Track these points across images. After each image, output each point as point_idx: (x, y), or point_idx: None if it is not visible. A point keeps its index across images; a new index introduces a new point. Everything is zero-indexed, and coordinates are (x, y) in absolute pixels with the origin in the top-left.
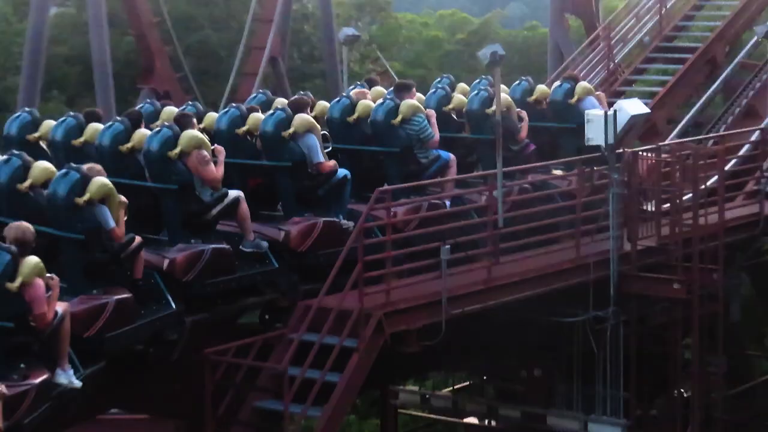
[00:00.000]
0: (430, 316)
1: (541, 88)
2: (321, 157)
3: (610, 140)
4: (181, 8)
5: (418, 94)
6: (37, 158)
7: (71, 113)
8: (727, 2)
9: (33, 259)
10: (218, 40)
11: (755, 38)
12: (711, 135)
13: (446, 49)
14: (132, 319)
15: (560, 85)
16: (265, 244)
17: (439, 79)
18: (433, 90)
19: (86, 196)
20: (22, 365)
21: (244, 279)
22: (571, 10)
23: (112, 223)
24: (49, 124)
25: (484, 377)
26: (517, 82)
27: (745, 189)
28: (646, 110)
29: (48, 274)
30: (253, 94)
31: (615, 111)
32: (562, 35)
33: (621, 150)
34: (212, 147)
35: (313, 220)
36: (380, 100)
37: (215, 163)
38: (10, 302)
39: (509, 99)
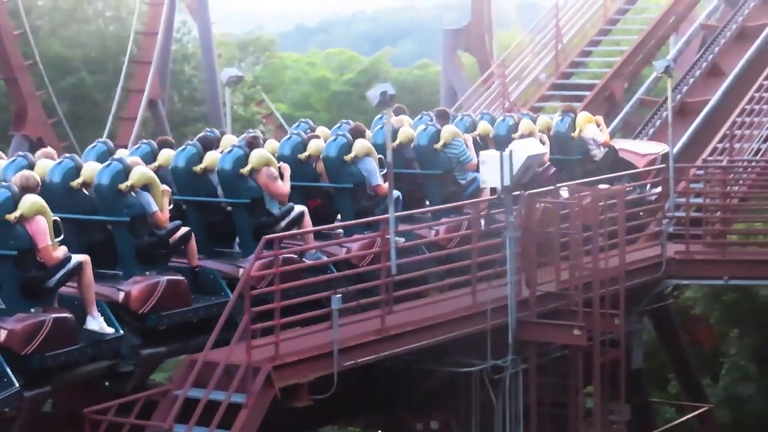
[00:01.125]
0: (322, 368)
1: (543, 119)
2: (379, 180)
3: (506, 182)
4: (53, 50)
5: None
6: None
7: (144, 141)
8: (626, 37)
9: (33, 197)
10: (94, 83)
11: (654, 74)
12: (612, 175)
13: (334, 90)
14: (187, 301)
15: (561, 120)
16: (325, 257)
17: (297, 123)
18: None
19: (129, 182)
20: (41, 304)
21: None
22: (465, 47)
23: (154, 207)
24: (123, 153)
25: (379, 431)
26: (502, 118)
27: (646, 230)
28: (543, 150)
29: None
30: (297, 123)
31: (510, 152)
32: (455, 73)
33: (518, 192)
34: (278, 164)
35: (372, 236)
36: (422, 126)
37: (282, 178)
38: (15, 235)
39: (532, 125)
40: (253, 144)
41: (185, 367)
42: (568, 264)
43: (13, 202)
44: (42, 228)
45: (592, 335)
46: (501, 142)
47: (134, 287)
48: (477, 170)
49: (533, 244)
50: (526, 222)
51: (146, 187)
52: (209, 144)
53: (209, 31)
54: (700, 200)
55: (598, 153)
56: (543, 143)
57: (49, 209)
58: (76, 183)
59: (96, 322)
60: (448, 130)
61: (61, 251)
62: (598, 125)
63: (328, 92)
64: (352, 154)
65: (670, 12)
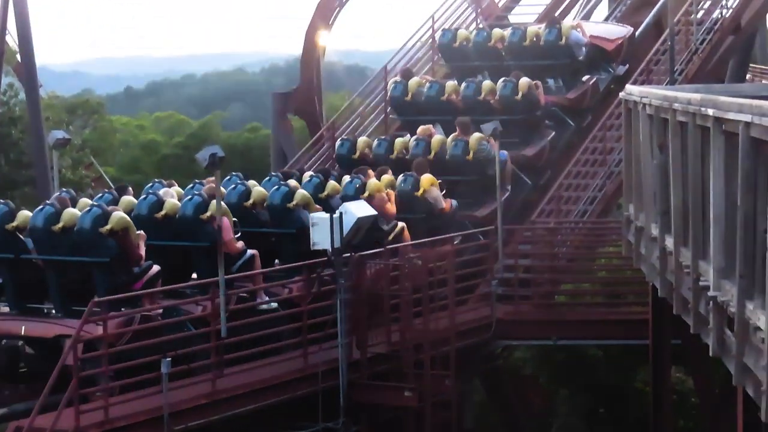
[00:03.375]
0: None
1: (498, 32)
2: (443, 204)
3: (337, 244)
4: None
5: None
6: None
7: (275, 173)
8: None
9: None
10: None
11: None
12: (441, 236)
13: (164, 153)
14: None
15: (549, 31)
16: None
17: (151, 184)
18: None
19: (294, 202)
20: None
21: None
22: (294, 110)
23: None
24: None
25: None
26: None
27: (476, 292)
28: (373, 212)
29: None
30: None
31: (341, 213)
32: (285, 136)
33: (349, 254)
34: (386, 191)
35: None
36: (451, 140)
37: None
38: (207, 231)
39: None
40: (367, 174)
41: None
42: (399, 325)
43: (205, 206)
44: (227, 225)
45: (423, 397)
46: (274, 211)
47: (297, 285)
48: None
49: (364, 305)
50: (357, 283)
51: (306, 206)
52: (326, 175)
53: (37, 93)
54: (528, 261)
55: (582, 53)
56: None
57: (230, 211)
58: (248, 204)
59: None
60: (474, 139)
61: (240, 244)
62: (582, 32)
63: (158, 155)
64: (421, 191)
65: None
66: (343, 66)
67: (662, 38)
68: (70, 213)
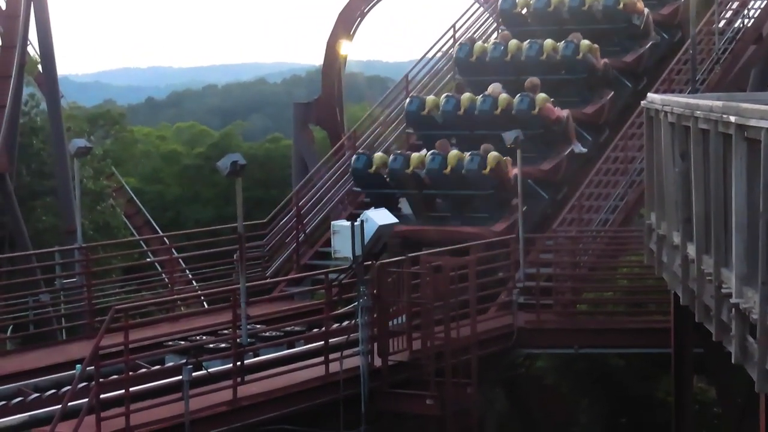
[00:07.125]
0: None
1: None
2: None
3: (358, 252)
4: None
5: None
6: None
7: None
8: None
9: (542, 95)
10: None
11: None
12: (458, 246)
13: (185, 163)
14: None
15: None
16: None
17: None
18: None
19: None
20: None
21: None
22: (315, 120)
23: None
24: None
25: None
26: None
27: (497, 300)
28: (394, 220)
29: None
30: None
31: (362, 221)
32: (306, 146)
33: (370, 262)
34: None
35: None
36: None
37: None
38: (534, 118)
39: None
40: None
41: None
42: (420, 333)
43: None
44: (549, 107)
45: (444, 405)
46: None
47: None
48: None
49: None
50: (379, 291)
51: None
52: None
53: (58, 104)
54: (550, 270)
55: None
56: None
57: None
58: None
59: (577, 148)
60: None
61: (561, 113)
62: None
63: (179, 166)
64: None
65: None
66: (364, 77)
67: (684, 48)
68: (454, 155)
